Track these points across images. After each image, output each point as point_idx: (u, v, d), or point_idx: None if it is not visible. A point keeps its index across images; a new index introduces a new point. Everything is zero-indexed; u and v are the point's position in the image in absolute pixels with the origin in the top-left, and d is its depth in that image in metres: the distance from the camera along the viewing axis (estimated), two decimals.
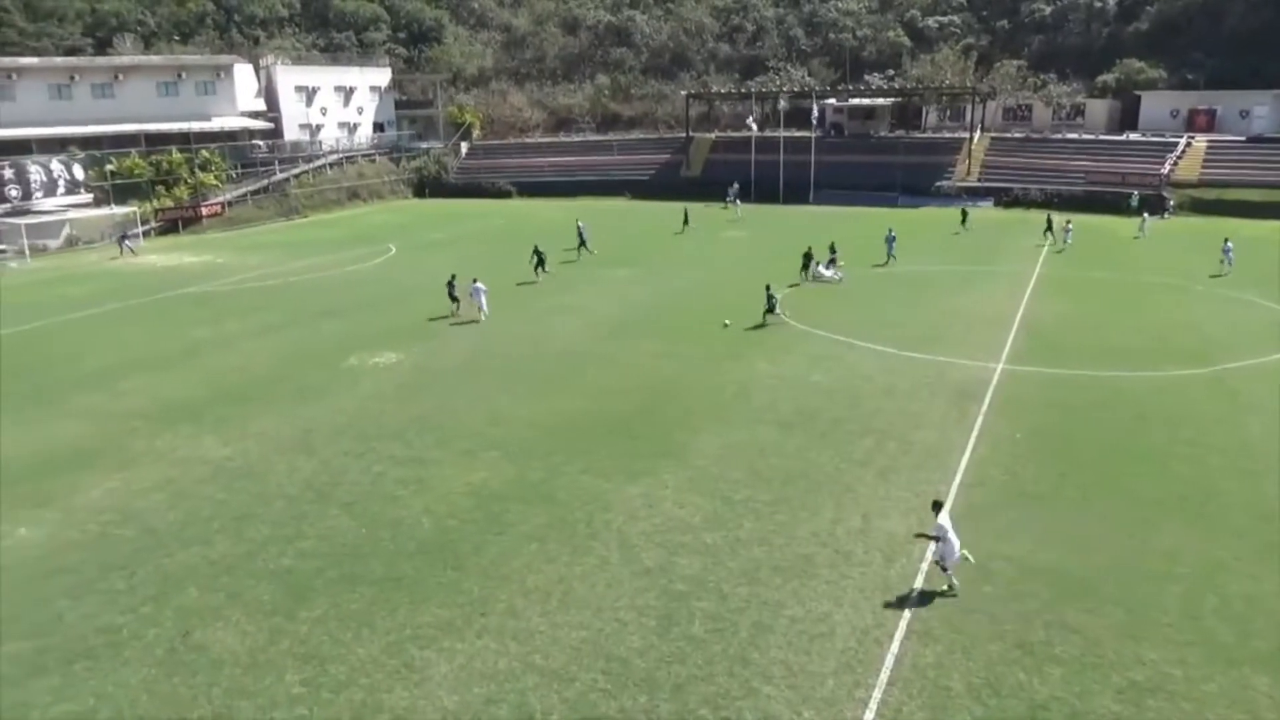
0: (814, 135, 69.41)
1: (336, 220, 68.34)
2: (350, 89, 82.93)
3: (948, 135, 74.01)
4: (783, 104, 71.58)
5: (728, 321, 28.11)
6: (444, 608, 14.93)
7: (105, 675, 13.50)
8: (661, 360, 28.57)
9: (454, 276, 35.15)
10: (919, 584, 15.18)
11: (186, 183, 65.98)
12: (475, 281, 34.44)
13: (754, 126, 70.24)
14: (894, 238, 43.72)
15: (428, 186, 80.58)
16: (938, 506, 15.20)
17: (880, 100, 78.03)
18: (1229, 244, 40.18)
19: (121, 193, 62.51)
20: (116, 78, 68.52)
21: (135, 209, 60.45)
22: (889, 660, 13.23)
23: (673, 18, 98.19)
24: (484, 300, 34.21)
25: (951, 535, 14.65)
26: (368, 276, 44.78)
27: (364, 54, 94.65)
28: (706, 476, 19.75)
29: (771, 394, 25.03)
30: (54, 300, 41.27)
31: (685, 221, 56.29)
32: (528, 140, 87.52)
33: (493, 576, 15.84)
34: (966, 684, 12.70)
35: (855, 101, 78.38)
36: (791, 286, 37.76)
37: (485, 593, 15.34)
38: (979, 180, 66.90)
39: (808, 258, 39.04)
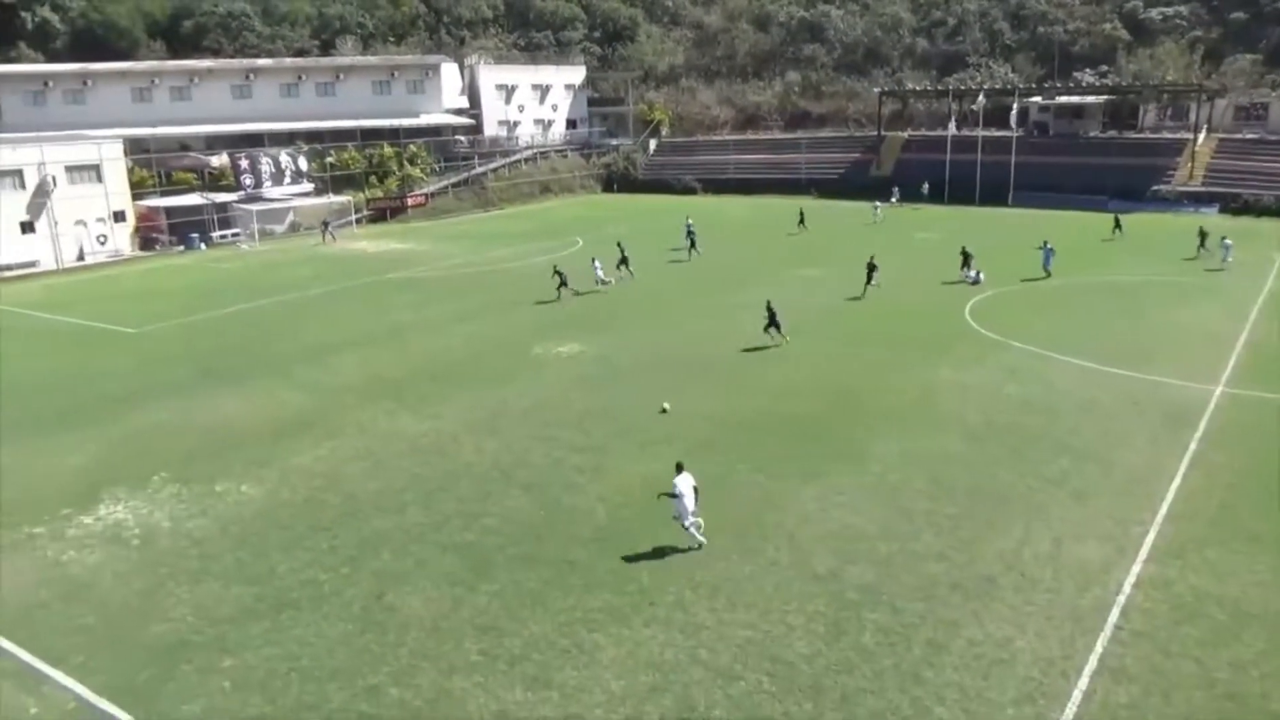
0: (1015, 134, 65.77)
1: (529, 213, 71.14)
2: (546, 87, 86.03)
3: (1168, 136, 68.16)
4: (982, 101, 68.15)
5: (666, 406, 23.93)
6: (614, 594, 15.28)
7: (308, 625, 14.72)
8: (842, 362, 28.00)
9: (556, 265, 39.17)
10: (1114, 617, 14.13)
11: (395, 175, 70.75)
12: (593, 260, 40.17)
13: (954, 128, 67.42)
14: (1051, 250, 39.36)
15: (616, 182, 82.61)
16: (679, 468, 16.58)
17: (1091, 98, 72.89)
18: None
19: (338, 183, 67.81)
20: (338, 77, 74.19)
21: (350, 198, 65.42)
22: (1076, 695, 12.41)
23: (868, 12, 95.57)
24: (600, 273, 39.70)
25: (687, 498, 16.10)
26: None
27: (561, 53, 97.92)
28: (884, 484, 19.20)
29: (959, 403, 23.99)
30: (282, 280, 45.40)
31: (801, 222, 54.89)
32: (715, 138, 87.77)
33: (662, 568, 16.06)
34: None
35: (1063, 99, 73.61)
36: (851, 300, 36.17)
37: (654, 583, 15.58)
38: (1202, 184, 61.27)
39: (871, 268, 36.75)
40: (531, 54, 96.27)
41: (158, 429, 24.29)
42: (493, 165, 77.07)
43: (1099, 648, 13.41)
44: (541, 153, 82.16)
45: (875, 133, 77.45)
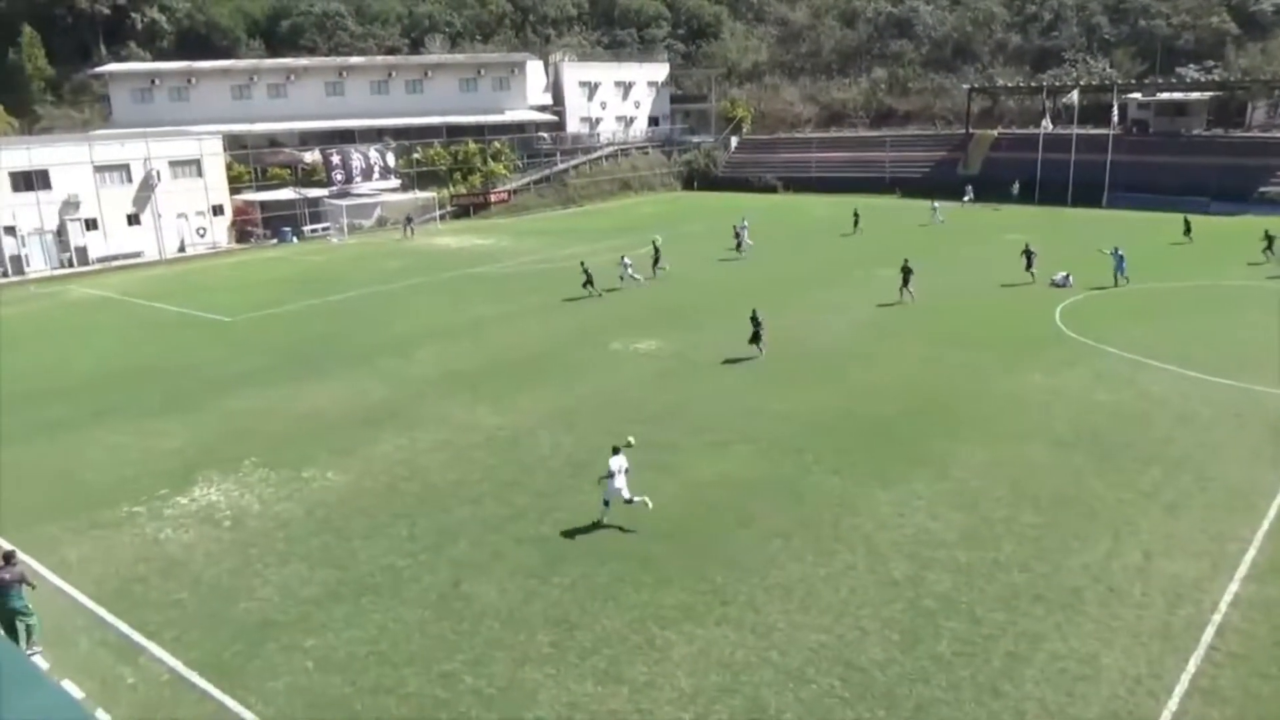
0: (1112, 133, 63.35)
1: (608, 210, 71.51)
2: (629, 84, 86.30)
3: (1278, 135, 64.85)
4: (1075, 96, 65.75)
5: (631, 440, 19.70)
6: (686, 592, 15.25)
7: (387, 610, 15.09)
8: (925, 364, 27.43)
9: (583, 261, 39.55)
10: (1209, 637, 13.52)
11: (479, 171, 71.92)
12: (623, 258, 40.40)
13: (1048, 125, 65.32)
14: (1123, 256, 37.18)
15: (696, 179, 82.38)
16: (616, 450, 17.34)
17: (1195, 95, 69.73)
18: None
19: (423, 179, 69.26)
20: (426, 75, 75.70)
21: (434, 194, 66.79)
22: (1165, 717, 11.92)
23: (960, 7, 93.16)
24: (630, 272, 40.02)
25: (618, 478, 16.93)
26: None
27: (644, 50, 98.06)
28: (965, 490, 18.73)
29: (1046, 410, 23.26)
30: (369, 273, 46.70)
31: (856, 223, 53.56)
32: (797, 135, 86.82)
33: (735, 567, 15.98)
34: None
35: (1165, 96, 70.57)
36: (881, 306, 34.82)
37: (727, 583, 15.50)
38: None
39: (907, 272, 35.23)
40: (615, 51, 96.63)
41: (249, 415, 25.23)
42: (574, 162, 77.75)
43: (1190, 667, 12.85)
44: (623, 150, 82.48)
45: (963, 130, 75.57)
